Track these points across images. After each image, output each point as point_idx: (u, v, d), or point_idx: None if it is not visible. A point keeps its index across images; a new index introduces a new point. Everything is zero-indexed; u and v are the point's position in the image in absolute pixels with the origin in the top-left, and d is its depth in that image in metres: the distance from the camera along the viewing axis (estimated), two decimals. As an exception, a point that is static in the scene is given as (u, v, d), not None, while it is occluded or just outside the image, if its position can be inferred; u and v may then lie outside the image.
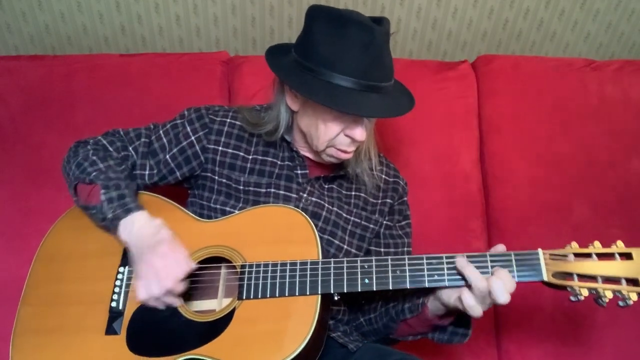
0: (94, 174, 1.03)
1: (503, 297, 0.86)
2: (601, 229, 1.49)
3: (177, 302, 0.98)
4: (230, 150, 1.12)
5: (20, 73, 1.49)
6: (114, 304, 1.01)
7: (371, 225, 1.15)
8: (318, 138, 1.04)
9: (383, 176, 1.20)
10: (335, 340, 1.08)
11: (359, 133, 1.01)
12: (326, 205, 1.11)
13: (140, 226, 0.98)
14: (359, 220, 1.14)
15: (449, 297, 0.93)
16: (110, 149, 1.12)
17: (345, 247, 1.11)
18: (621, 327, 1.43)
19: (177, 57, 1.56)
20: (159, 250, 0.95)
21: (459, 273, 0.91)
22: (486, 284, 0.87)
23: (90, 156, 1.07)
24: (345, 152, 1.05)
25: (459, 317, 1.00)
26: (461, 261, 0.91)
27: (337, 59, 0.95)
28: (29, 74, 1.49)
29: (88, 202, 1.04)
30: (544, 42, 1.87)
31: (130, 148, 1.13)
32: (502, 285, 0.86)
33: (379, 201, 1.18)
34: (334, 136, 1.02)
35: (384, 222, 1.18)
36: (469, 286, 0.89)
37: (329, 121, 1.01)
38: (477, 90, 1.62)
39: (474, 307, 0.88)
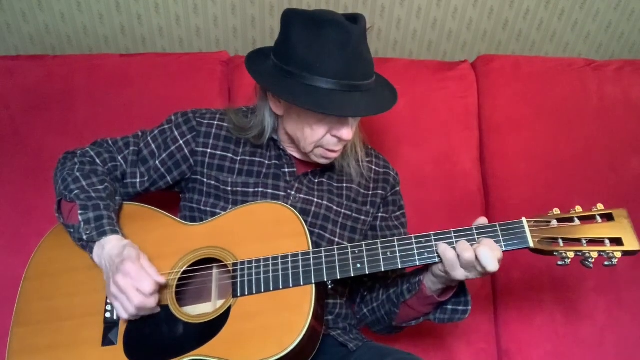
0: (75, 192, 1.03)
1: (491, 264, 0.88)
2: (601, 228, 1.49)
3: (156, 309, 0.98)
4: (218, 152, 1.13)
5: (20, 73, 1.49)
6: (108, 315, 1.01)
7: (362, 217, 1.17)
8: (305, 140, 1.05)
9: (373, 167, 1.22)
10: (335, 339, 1.08)
11: (346, 133, 1.02)
12: (315, 199, 1.13)
13: (110, 248, 0.98)
14: (349, 213, 1.15)
15: (438, 268, 0.96)
16: (97, 161, 1.12)
17: (336, 240, 1.12)
18: (621, 326, 1.43)
19: (177, 57, 1.56)
20: (121, 269, 0.94)
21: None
22: (472, 253, 0.90)
23: (74, 172, 1.07)
24: (333, 151, 1.06)
25: (457, 293, 1.03)
26: (441, 246, 0.94)
27: (316, 61, 0.96)
28: (29, 74, 1.49)
29: (68, 221, 1.04)
30: (544, 42, 1.87)
31: (120, 157, 1.14)
32: (488, 251, 0.89)
33: (370, 192, 1.19)
34: (320, 138, 1.03)
35: (379, 214, 1.20)
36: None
37: (314, 124, 1.01)
38: (477, 90, 1.62)
39: (453, 263, 0.91)
